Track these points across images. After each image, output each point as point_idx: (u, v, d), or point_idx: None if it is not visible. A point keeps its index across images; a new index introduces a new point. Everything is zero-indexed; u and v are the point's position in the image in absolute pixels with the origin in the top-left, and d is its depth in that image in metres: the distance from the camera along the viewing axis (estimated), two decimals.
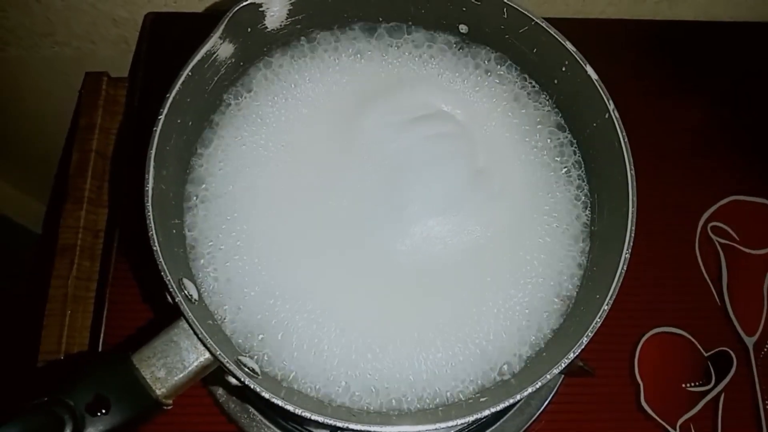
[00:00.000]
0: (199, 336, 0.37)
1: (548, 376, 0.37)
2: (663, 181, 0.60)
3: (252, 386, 0.36)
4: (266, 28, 0.45)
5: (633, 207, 0.39)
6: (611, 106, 0.41)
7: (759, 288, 0.58)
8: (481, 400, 0.38)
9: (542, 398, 0.52)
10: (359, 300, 0.40)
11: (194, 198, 0.43)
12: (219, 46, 0.42)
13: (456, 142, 0.44)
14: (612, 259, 0.39)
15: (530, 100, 0.45)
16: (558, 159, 0.44)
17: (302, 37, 0.47)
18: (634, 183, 0.40)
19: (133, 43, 0.68)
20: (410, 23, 0.47)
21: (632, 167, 0.40)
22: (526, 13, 0.43)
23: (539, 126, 0.44)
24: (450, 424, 0.36)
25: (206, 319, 0.39)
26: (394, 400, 0.38)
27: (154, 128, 0.40)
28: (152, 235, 0.38)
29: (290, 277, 0.40)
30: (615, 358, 0.55)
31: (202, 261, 0.42)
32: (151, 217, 0.38)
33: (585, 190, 0.43)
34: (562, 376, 0.53)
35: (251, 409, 0.50)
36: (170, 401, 0.38)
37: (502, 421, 0.51)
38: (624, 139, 0.40)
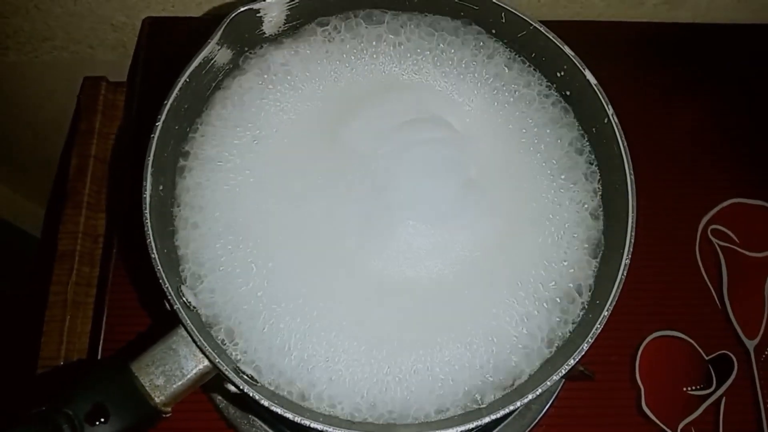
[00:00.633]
0: (198, 343, 0.37)
1: (548, 383, 0.37)
2: (663, 184, 0.60)
3: (251, 394, 0.36)
4: (264, 33, 0.44)
5: (633, 213, 0.39)
6: (610, 111, 0.41)
7: (759, 291, 0.58)
8: (482, 407, 0.38)
9: (543, 403, 0.52)
10: (347, 314, 0.40)
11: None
12: (216, 53, 0.42)
13: (448, 148, 0.43)
14: (612, 266, 0.39)
15: (529, 106, 0.44)
16: (557, 168, 0.43)
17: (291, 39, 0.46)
18: (635, 189, 0.40)
19: (131, 47, 0.68)
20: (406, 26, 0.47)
21: (632, 173, 0.40)
22: (524, 17, 0.43)
23: (538, 134, 0.44)
24: (450, 431, 0.36)
25: (205, 326, 0.39)
26: (392, 411, 0.38)
27: (152, 135, 0.40)
28: (150, 242, 0.38)
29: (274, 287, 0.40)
30: (615, 362, 0.55)
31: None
32: (149, 224, 0.38)
33: (587, 202, 0.42)
34: (563, 380, 0.53)
35: (251, 415, 0.50)
36: (169, 409, 0.38)
37: (502, 425, 0.51)
38: (623, 144, 0.40)
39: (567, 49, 0.42)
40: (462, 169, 0.42)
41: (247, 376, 0.38)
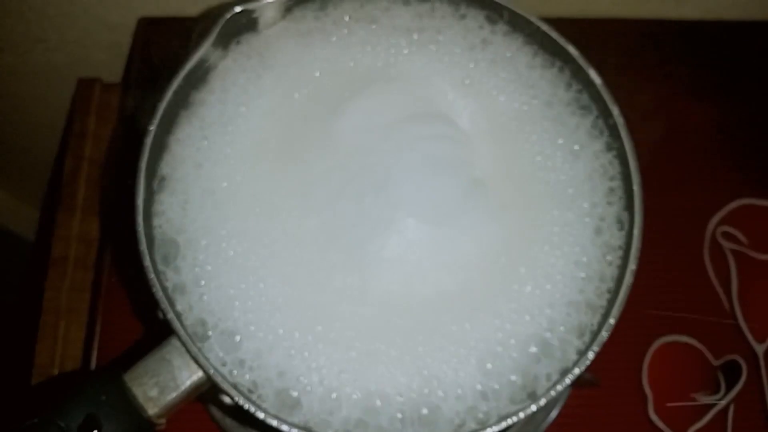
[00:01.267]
0: (192, 354, 0.36)
1: (553, 393, 0.36)
2: (670, 185, 0.59)
3: (246, 406, 0.35)
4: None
5: (640, 218, 0.38)
6: (615, 111, 0.40)
7: None
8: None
9: (548, 410, 0.51)
10: (345, 327, 0.38)
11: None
12: (211, 55, 0.41)
13: (453, 146, 0.41)
14: (618, 272, 0.38)
15: (536, 106, 0.43)
16: (569, 171, 0.42)
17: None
18: (641, 192, 0.39)
19: (126, 47, 0.67)
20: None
21: (639, 174, 0.39)
22: (527, 17, 0.42)
23: (546, 135, 0.42)
24: None
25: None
26: (391, 420, 0.37)
27: (145, 140, 0.39)
28: (143, 250, 0.37)
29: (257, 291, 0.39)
30: (622, 368, 0.54)
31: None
32: (142, 231, 0.37)
33: (598, 208, 0.41)
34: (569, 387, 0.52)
35: (247, 427, 0.49)
36: (163, 420, 0.37)
37: None
38: (630, 146, 0.39)
39: (571, 49, 0.41)
40: (467, 169, 0.41)
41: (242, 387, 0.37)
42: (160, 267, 0.38)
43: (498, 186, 0.41)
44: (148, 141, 0.39)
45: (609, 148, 0.41)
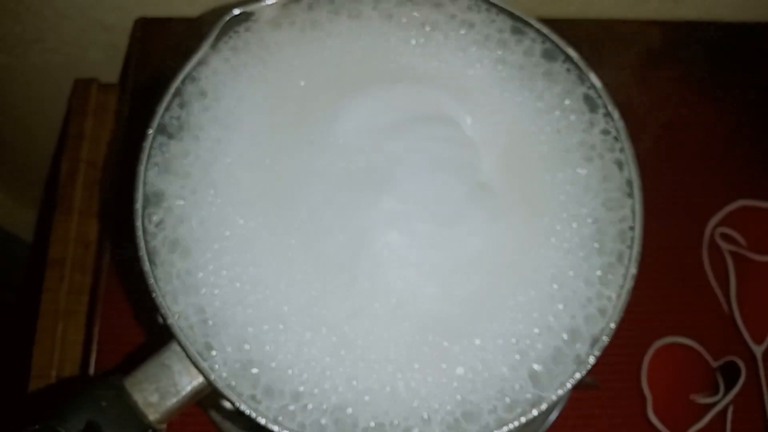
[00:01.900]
0: (192, 359, 0.36)
1: (554, 397, 0.36)
2: (669, 186, 0.59)
3: (247, 411, 0.35)
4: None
5: (640, 222, 0.38)
6: (616, 115, 0.40)
7: (767, 295, 0.57)
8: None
9: (548, 412, 0.51)
10: (350, 330, 0.38)
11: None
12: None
13: (457, 149, 0.41)
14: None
15: (544, 107, 0.43)
16: (570, 174, 0.42)
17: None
18: (641, 196, 0.39)
19: (123, 48, 0.67)
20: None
21: (639, 179, 0.39)
22: (528, 20, 0.42)
23: (554, 139, 0.42)
24: None
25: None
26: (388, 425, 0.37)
27: (143, 144, 0.38)
28: (143, 255, 0.37)
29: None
30: (622, 369, 0.54)
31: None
32: (142, 236, 0.37)
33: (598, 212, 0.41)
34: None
35: None
36: (164, 426, 0.37)
37: None
38: (630, 150, 0.39)
39: (572, 52, 0.41)
40: (472, 172, 0.41)
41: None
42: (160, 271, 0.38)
43: (501, 189, 0.40)
44: (147, 144, 0.39)
45: (610, 151, 0.41)
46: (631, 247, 0.38)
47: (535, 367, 0.37)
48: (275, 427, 0.35)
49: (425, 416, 0.36)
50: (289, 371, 0.37)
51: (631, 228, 0.39)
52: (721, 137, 0.62)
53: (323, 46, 0.43)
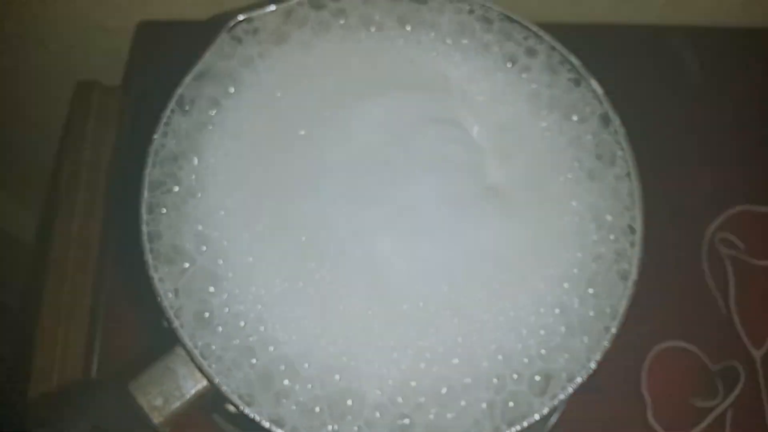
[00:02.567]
0: (197, 363, 0.36)
1: (555, 402, 0.37)
2: (669, 191, 0.59)
3: (252, 415, 0.35)
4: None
5: (640, 228, 0.38)
6: (617, 122, 0.41)
7: (767, 299, 0.58)
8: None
9: (547, 416, 0.51)
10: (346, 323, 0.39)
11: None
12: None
13: (468, 153, 0.42)
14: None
15: (554, 114, 0.43)
16: (572, 178, 0.42)
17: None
18: (641, 200, 0.39)
19: (125, 51, 0.67)
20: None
21: (640, 184, 0.39)
22: (530, 27, 0.42)
23: (563, 146, 0.42)
24: None
25: None
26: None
27: (149, 148, 0.39)
28: (148, 260, 0.37)
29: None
30: (621, 373, 0.54)
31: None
32: (146, 241, 0.37)
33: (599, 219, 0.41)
34: None
35: None
36: (168, 429, 0.37)
37: None
38: (631, 157, 0.40)
39: (573, 59, 0.41)
40: (480, 175, 0.41)
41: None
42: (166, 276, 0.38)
43: (508, 192, 0.41)
44: (152, 149, 0.39)
45: (612, 157, 0.41)
46: (632, 254, 0.38)
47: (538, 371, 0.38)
48: (279, 431, 0.35)
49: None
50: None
51: (632, 234, 0.39)
52: (720, 142, 0.62)
53: (331, 58, 0.44)
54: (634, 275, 0.38)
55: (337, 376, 0.37)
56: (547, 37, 0.42)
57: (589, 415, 0.53)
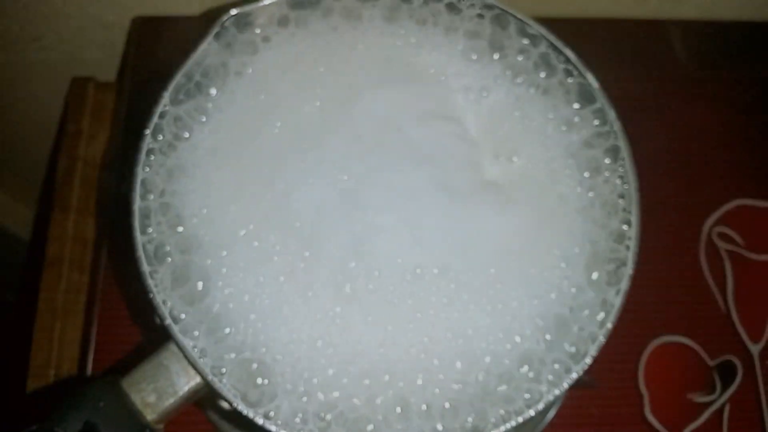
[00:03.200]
0: (190, 359, 0.36)
1: (551, 397, 0.37)
2: (666, 186, 0.59)
3: (245, 412, 0.35)
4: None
5: (637, 222, 0.38)
6: (612, 115, 0.40)
7: (764, 294, 0.57)
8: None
9: (545, 411, 0.51)
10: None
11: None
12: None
13: (466, 147, 0.42)
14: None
15: (552, 109, 0.43)
16: (568, 174, 0.42)
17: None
18: (638, 195, 0.39)
19: (120, 46, 0.67)
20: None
21: (635, 178, 0.39)
22: (525, 20, 0.42)
23: (563, 144, 0.42)
24: None
25: None
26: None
27: (141, 143, 0.38)
28: (140, 256, 0.37)
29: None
30: (619, 369, 0.54)
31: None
32: (139, 237, 0.37)
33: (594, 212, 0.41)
34: None
35: None
36: (161, 426, 0.37)
37: None
38: (627, 151, 0.39)
39: (569, 53, 0.41)
40: (476, 168, 0.41)
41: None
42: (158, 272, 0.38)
43: (506, 187, 0.41)
44: (144, 145, 0.39)
45: (608, 152, 0.41)
46: (628, 249, 0.38)
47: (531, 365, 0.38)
48: (272, 427, 0.35)
49: (423, 408, 0.37)
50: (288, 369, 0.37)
51: (629, 228, 0.39)
52: (718, 137, 0.62)
53: (327, 52, 0.43)
54: (629, 270, 0.38)
55: (330, 371, 0.37)
56: (542, 31, 0.42)
57: (587, 410, 0.53)
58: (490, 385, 0.37)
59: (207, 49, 0.41)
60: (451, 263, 0.39)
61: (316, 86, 0.43)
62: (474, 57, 0.43)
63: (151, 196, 0.39)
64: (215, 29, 0.41)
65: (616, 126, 0.40)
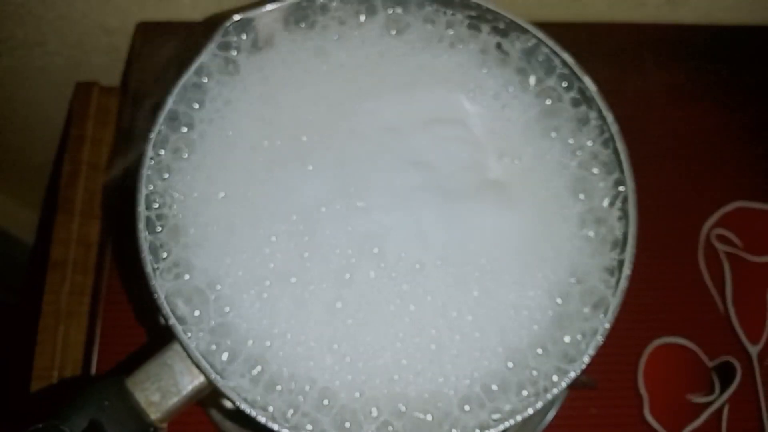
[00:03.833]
0: (193, 359, 0.36)
1: (549, 396, 0.37)
2: (665, 188, 0.59)
3: (248, 410, 0.36)
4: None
5: (634, 225, 0.39)
6: (610, 118, 0.41)
7: (763, 295, 0.58)
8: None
9: (544, 412, 0.51)
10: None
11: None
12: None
13: (470, 148, 0.42)
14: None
15: (554, 110, 0.43)
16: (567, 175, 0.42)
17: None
18: (635, 198, 0.39)
19: (124, 51, 0.67)
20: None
21: (632, 181, 0.40)
22: (522, 24, 0.42)
23: (554, 142, 0.43)
24: None
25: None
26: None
27: (146, 147, 0.39)
28: (144, 257, 0.37)
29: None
30: (618, 370, 0.55)
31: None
32: (144, 239, 0.37)
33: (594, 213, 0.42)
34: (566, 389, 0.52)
35: (248, 431, 0.49)
36: (165, 425, 0.37)
37: None
38: (624, 152, 0.40)
39: (567, 56, 0.42)
40: (481, 169, 0.42)
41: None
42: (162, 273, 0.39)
43: (507, 186, 0.42)
44: (149, 149, 0.39)
45: (606, 153, 0.42)
46: (625, 249, 0.39)
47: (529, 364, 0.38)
48: (275, 426, 0.35)
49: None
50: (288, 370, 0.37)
51: (625, 229, 0.39)
52: (716, 139, 0.63)
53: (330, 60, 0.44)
54: (627, 270, 0.38)
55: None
56: (540, 35, 0.42)
57: (586, 410, 0.53)
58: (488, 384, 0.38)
59: (211, 53, 0.41)
60: (448, 261, 0.40)
61: (321, 90, 0.43)
62: (481, 62, 0.44)
63: (156, 204, 0.39)
64: (219, 34, 0.41)
65: (614, 129, 0.41)
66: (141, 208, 0.38)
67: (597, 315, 0.39)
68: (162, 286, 0.37)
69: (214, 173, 0.41)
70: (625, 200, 0.40)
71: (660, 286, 0.56)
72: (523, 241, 0.40)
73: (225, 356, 0.37)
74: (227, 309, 0.38)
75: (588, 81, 0.41)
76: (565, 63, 0.42)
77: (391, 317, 0.39)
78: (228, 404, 0.37)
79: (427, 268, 0.39)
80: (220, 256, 0.39)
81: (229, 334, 0.38)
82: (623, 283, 0.38)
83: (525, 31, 0.43)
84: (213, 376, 0.36)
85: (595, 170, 0.41)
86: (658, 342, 0.55)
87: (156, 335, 0.52)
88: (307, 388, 0.37)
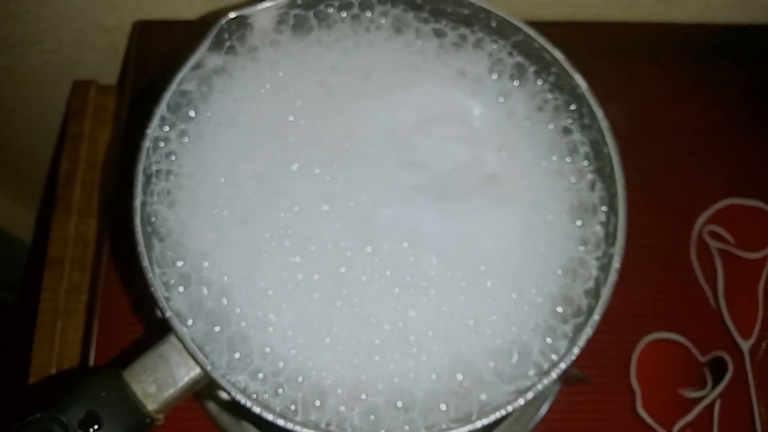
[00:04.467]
0: (190, 351, 0.37)
1: (540, 387, 0.37)
2: (657, 185, 0.60)
3: (243, 401, 0.36)
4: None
5: (623, 219, 0.39)
6: (600, 115, 0.41)
7: (754, 291, 0.58)
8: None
9: (538, 406, 0.52)
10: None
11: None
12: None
13: (468, 145, 0.43)
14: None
15: (548, 108, 0.44)
16: (561, 170, 0.43)
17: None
18: (624, 194, 0.40)
19: (122, 50, 0.68)
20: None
21: (622, 178, 0.40)
22: (514, 22, 0.43)
23: (555, 138, 0.43)
24: None
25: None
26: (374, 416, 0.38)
27: (142, 144, 0.39)
28: (141, 251, 0.37)
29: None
30: (611, 365, 0.55)
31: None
32: (140, 233, 0.38)
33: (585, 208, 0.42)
34: (558, 384, 0.53)
35: (243, 422, 0.50)
36: (162, 416, 0.38)
37: (496, 430, 0.50)
38: (614, 150, 0.40)
39: (557, 53, 0.42)
40: (479, 165, 0.42)
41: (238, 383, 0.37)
42: (158, 266, 0.39)
43: (504, 182, 0.42)
44: (146, 144, 0.40)
45: (596, 150, 0.42)
46: (614, 243, 0.39)
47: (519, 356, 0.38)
48: (270, 416, 0.36)
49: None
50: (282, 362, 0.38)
51: (615, 223, 0.40)
52: (708, 137, 0.63)
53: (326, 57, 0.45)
54: (616, 263, 0.39)
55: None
56: (532, 33, 0.43)
57: (579, 405, 0.54)
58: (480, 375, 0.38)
59: (207, 51, 0.42)
60: (444, 257, 0.40)
61: (318, 88, 0.44)
62: (476, 60, 0.45)
63: (154, 198, 0.40)
64: (214, 32, 0.42)
65: (604, 125, 0.41)
66: (137, 202, 0.38)
67: (587, 307, 0.39)
68: (158, 280, 0.38)
69: (210, 170, 0.41)
70: (615, 195, 0.40)
71: (652, 282, 0.57)
72: (518, 236, 0.41)
73: (221, 348, 0.38)
74: (224, 301, 0.39)
75: (579, 78, 0.42)
76: (556, 60, 0.42)
77: (387, 312, 0.39)
78: (224, 396, 0.37)
79: (421, 261, 0.40)
80: (217, 251, 0.40)
81: (225, 327, 0.38)
82: (612, 276, 0.38)
83: (518, 29, 0.43)
84: (209, 367, 0.36)
85: (585, 168, 0.42)
86: (650, 337, 0.56)
87: (152, 329, 0.53)
88: (300, 379, 0.38)
